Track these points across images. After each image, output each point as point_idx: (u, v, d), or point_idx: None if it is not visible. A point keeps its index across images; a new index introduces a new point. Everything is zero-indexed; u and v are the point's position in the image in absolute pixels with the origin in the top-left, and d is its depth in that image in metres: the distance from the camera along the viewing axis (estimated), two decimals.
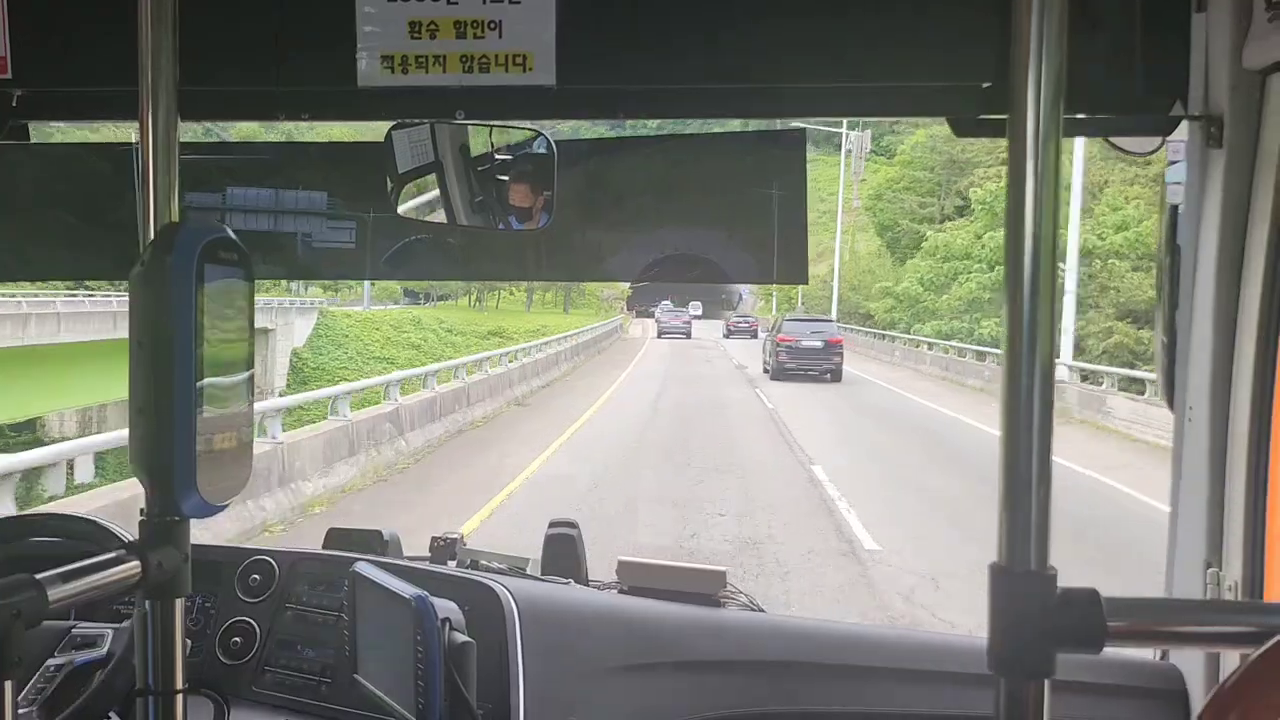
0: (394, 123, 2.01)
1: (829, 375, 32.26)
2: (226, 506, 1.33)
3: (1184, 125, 1.86)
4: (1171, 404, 1.98)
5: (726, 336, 61.15)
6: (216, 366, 1.28)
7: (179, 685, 1.31)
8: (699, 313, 73.53)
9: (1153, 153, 2.06)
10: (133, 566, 1.25)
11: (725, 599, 2.32)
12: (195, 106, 1.46)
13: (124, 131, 2.25)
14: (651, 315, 69.35)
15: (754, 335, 57.62)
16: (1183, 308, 1.91)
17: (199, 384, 1.25)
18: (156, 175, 1.32)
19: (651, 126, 2.69)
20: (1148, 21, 1.82)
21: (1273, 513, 1.77)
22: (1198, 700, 1.97)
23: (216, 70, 1.86)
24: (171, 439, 1.24)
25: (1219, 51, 1.76)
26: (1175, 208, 1.97)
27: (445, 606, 1.74)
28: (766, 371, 34.28)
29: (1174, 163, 1.96)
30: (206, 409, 1.26)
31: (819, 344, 32.80)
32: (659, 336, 60.94)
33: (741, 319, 63.53)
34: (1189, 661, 2.02)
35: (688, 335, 61.37)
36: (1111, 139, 2.11)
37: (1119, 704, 2.06)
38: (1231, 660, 1.75)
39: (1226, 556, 1.81)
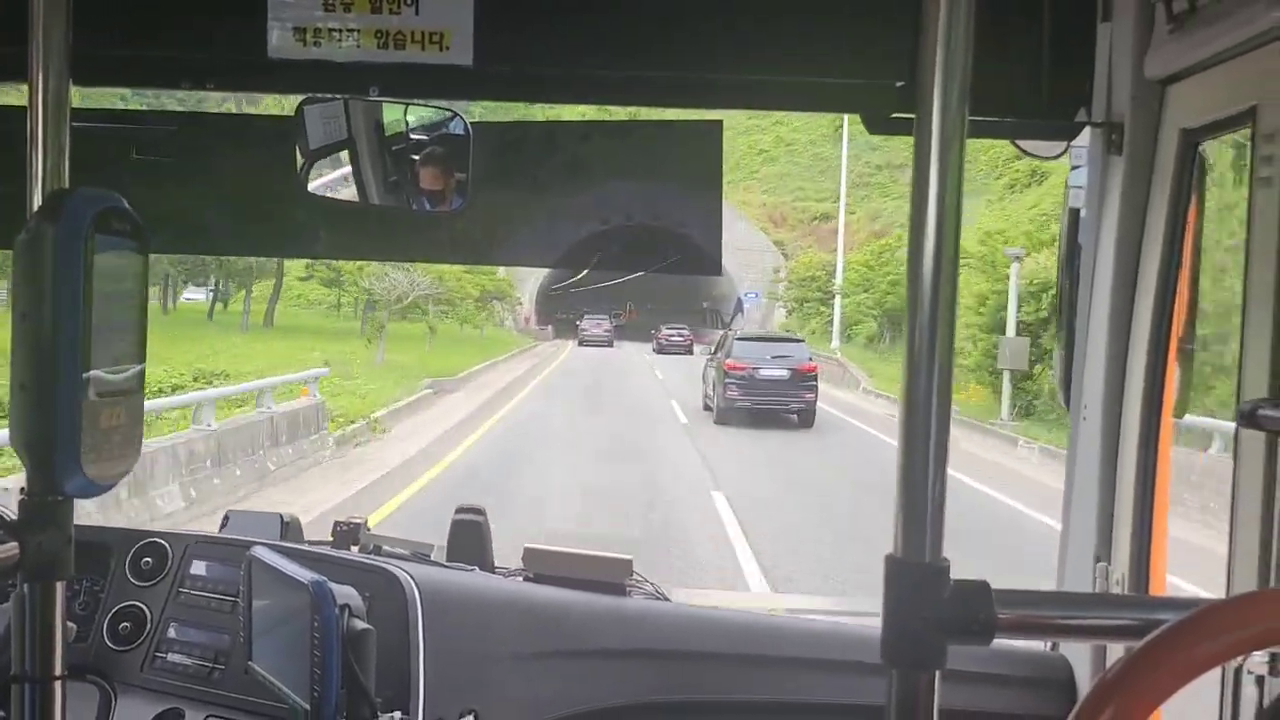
0: (305, 96, 1.96)
1: (796, 416, 23.05)
2: (113, 486, 1.28)
3: (1087, 131, 1.91)
4: (1068, 403, 2.04)
5: (658, 352, 50.42)
6: (105, 342, 1.23)
7: (58, 671, 1.26)
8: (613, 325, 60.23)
9: (1057, 157, 2.11)
10: (10, 548, 1.20)
11: (631, 587, 2.32)
12: (90, 70, 1.40)
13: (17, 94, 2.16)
14: (576, 326, 57.13)
15: (688, 352, 48.73)
16: (1080, 309, 1.97)
17: (86, 359, 1.20)
18: (46, 140, 1.26)
19: (578, 112, 2.67)
20: (1055, 30, 1.86)
21: (1159, 510, 1.83)
22: (1084, 689, 2.04)
23: (115, 32, 1.79)
24: (54, 415, 1.19)
25: (1122, 61, 1.81)
26: (1076, 211, 2.03)
27: (344, 592, 1.71)
28: (708, 409, 24.19)
29: (1076, 167, 2.02)
30: (93, 385, 1.21)
31: (783, 373, 23.11)
32: (580, 344, 53.97)
33: (675, 330, 53.25)
34: (1077, 652, 2.08)
35: (610, 344, 53.95)
36: (1018, 142, 2.16)
37: (1009, 693, 2.12)
38: (1117, 652, 1.81)
39: (1115, 551, 1.87)
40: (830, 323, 45.34)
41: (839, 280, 45.95)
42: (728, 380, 22.84)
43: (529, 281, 55.00)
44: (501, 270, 41.17)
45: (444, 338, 36.37)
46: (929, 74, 0.94)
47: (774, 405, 23.01)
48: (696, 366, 28.69)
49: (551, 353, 47.74)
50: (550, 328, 59.94)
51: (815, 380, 23.71)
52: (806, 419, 23.09)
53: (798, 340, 26.49)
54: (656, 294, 61.40)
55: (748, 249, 59.27)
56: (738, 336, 25.71)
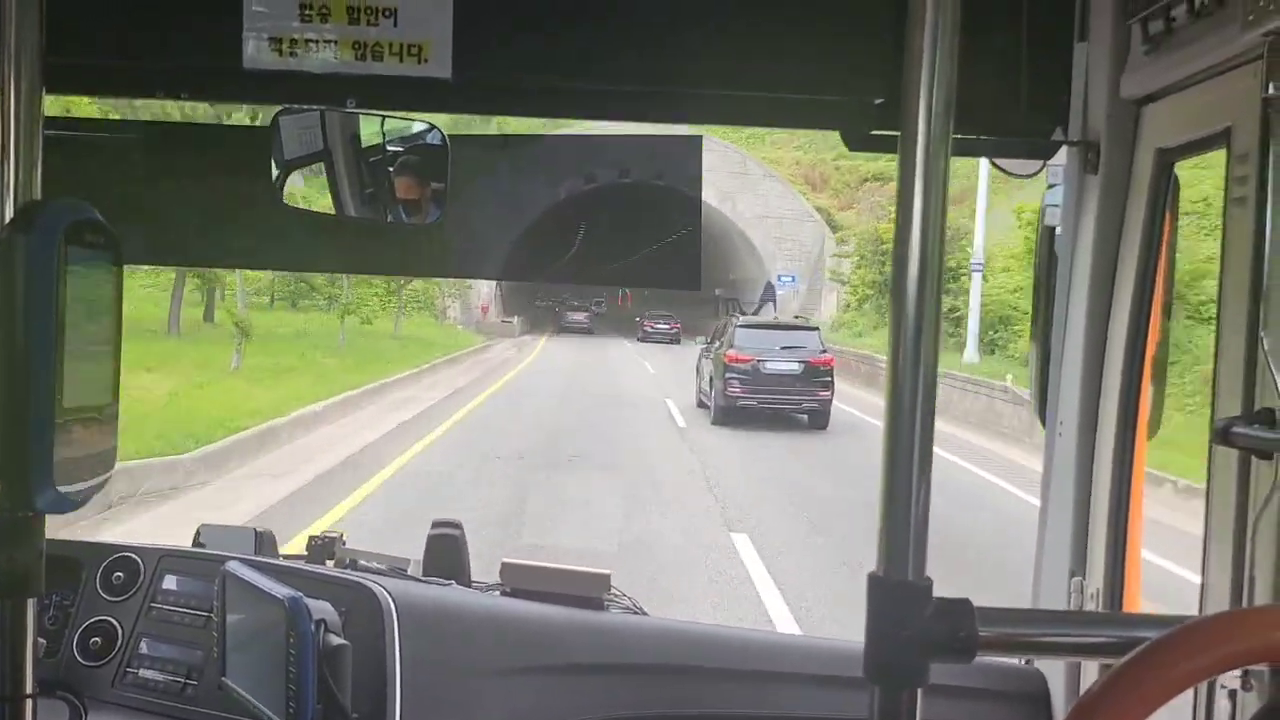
0: (281, 107, 1.95)
1: (809, 416, 20.00)
2: (86, 502, 1.27)
3: (1063, 150, 1.93)
4: (1044, 418, 2.05)
5: (641, 340, 48.37)
6: (79, 355, 1.21)
7: (29, 690, 1.24)
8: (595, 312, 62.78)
9: (1033, 175, 2.13)
10: None
11: (609, 602, 2.32)
12: (63, 79, 1.39)
13: None
14: (567, 312, 55.85)
15: (674, 341, 46.33)
16: (1056, 327, 1.98)
17: (58, 373, 1.18)
18: (18, 150, 1.24)
19: (558, 125, 2.68)
20: (1032, 49, 1.88)
21: (1133, 525, 1.85)
22: (1059, 702, 2.04)
23: (88, 41, 1.77)
24: (26, 429, 1.17)
25: (1098, 81, 1.83)
26: (1051, 229, 2.05)
27: (320, 608, 1.69)
28: (703, 406, 21.50)
29: (1053, 185, 2.04)
30: (66, 399, 1.20)
31: (794, 367, 20.08)
32: (558, 332, 53.28)
33: (662, 318, 50.96)
34: (1051, 666, 2.09)
35: (589, 331, 54.08)
36: (995, 160, 2.18)
37: (984, 707, 2.13)
38: (1091, 666, 1.82)
39: (1090, 566, 1.88)
40: (961, 325, 27.61)
41: (977, 252, 27.58)
42: (728, 375, 19.61)
43: None
44: None
45: (350, 341, 26.27)
46: (913, 91, 0.95)
47: (782, 404, 19.82)
48: (679, 360, 26.02)
49: (507, 359, 33.92)
50: (517, 320, 50.90)
51: (831, 376, 20.27)
52: (819, 420, 19.85)
53: (811, 329, 22.35)
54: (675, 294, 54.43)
55: (781, 217, 46.34)
56: (740, 323, 21.47)
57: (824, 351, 20.91)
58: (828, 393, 20.07)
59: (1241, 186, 1.48)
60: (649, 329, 50.03)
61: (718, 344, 21.34)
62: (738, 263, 45.72)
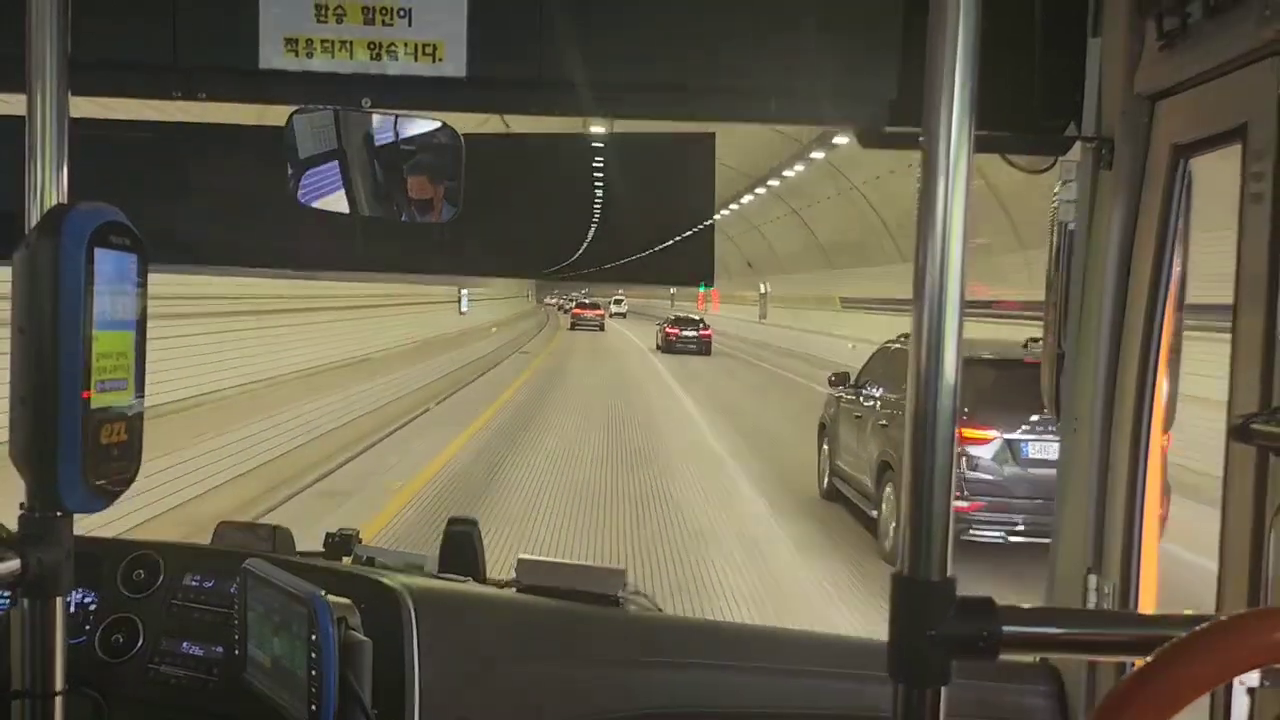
0: (296, 107, 1.96)
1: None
2: (113, 502, 1.28)
3: (1077, 146, 1.93)
4: (1058, 416, 2.05)
5: (664, 350, 39.40)
6: (105, 356, 1.23)
7: (58, 688, 1.25)
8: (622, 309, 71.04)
9: (1045, 170, 2.13)
10: (11, 563, 1.19)
11: (624, 599, 2.33)
12: (87, 80, 1.40)
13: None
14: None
15: (704, 351, 38.83)
16: (1070, 323, 1.99)
17: (86, 374, 1.20)
18: (45, 151, 1.26)
19: (571, 124, 2.69)
20: (1046, 44, 1.88)
21: (1149, 522, 1.85)
22: (1076, 697, 2.05)
23: (110, 42, 1.79)
24: (55, 431, 1.19)
25: (1112, 76, 1.83)
26: (1065, 225, 2.05)
27: (341, 605, 1.71)
28: (832, 501, 11.96)
29: (1067, 182, 2.03)
30: (93, 400, 1.21)
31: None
32: (571, 328, 55.18)
33: (689, 323, 41.19)
34: (1067, 661, 2.10)
35: (600, 328, 55.93)
36: (1008, 156, 2.18)
37: (999, 700, 2.13)
38: (1109, 662, 1.83)
39: (1105, 563, 1.89)
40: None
41: None
42: (968, 473, 8.79)
43: None
44: None
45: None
46: (935, 89, 0.96)
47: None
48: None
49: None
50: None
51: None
52: None
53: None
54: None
55: None
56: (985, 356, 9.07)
57: None
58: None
59: (1257, 183, 1.48)
60: (673, 337, 40.17)
61: (877, 391, 10.86)
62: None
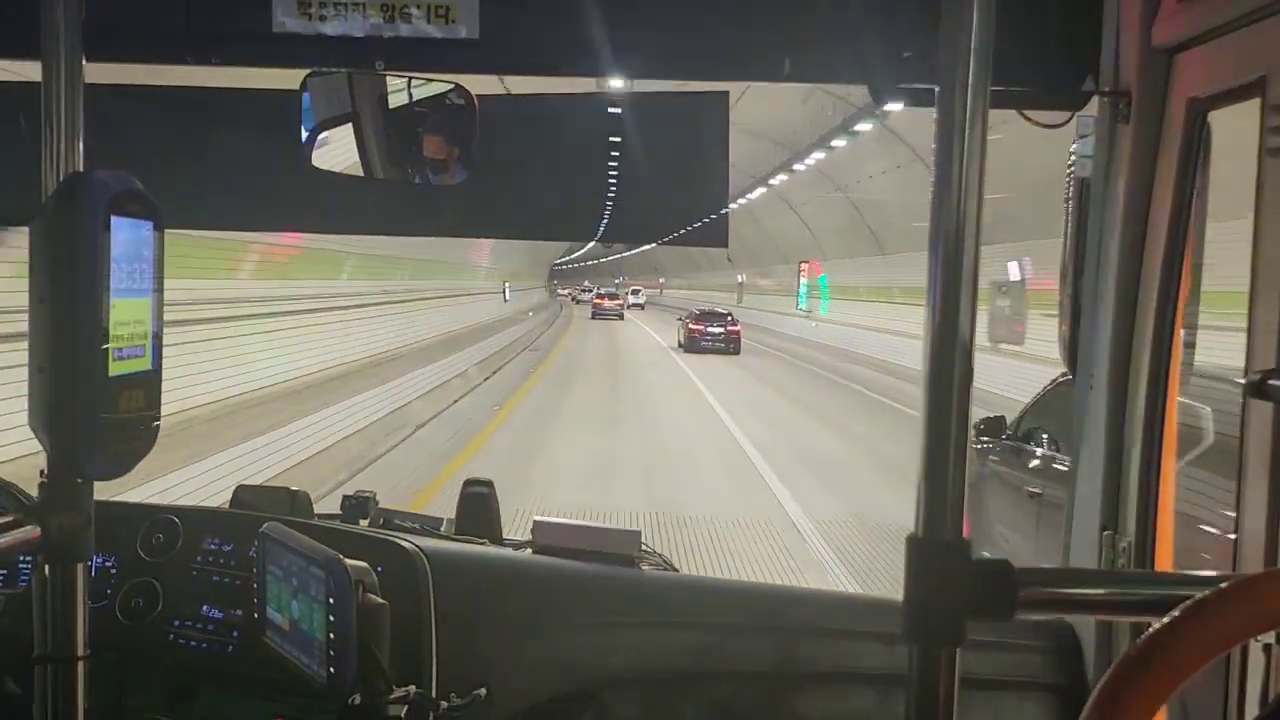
0: (310, 70, 1.95)
1: None
2: (132, 468, 1.29)
3: (1094, 100, 1.91)
4: (1074, 373, 2.04)
5: (687, 349, 33.33)
6: (122, 324, 1.23)
7: (80, 652, 1.27)
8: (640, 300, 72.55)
9: (1062, 125, 2.11)
10: (32, 530, 1.21)
11: (640, 559, 2.34)
12: (101, 45, 1.39)
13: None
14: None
15: (733, 350, 32.98)
16: (1087, 279, 1.97)
17: (104, 342, 1.20)
18: (61, 117, 1.26)
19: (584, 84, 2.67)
20: None
21: (1165, 479, 1.84)
22: (1090, 655, 2.06)
23: (123, 7, 1.78)
24: (75, 398, 1.19)
25: (1130, 29, 1.80)
26: (1082, 180, 2.02)
27: (359, 568, 1.72)
28: None
29: (1083, 136, 2.01)
30: (112, 367, 1.22)
31: None
32: (592, 318, 55.38)
33: (716, 319, 34.97)
34: (1082, 619, 2.10)
35: (620, 317, 55.75)
36: (1025, 111, 2.15)
37: (1014, 659, 2.14)
38: (1125, 620, 1.83)
39: (1122, 521, 1.88)
40: None
41: None
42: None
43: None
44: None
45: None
46: (952, 45, 0.95)
47: None
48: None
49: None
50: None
51: None
52: None
53: None
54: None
55: None
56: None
57: None
58: None
59: (1277, 136, 1.46)
60: (697, 334, 33.73)
61: (1055, 450, 7.08)
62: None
